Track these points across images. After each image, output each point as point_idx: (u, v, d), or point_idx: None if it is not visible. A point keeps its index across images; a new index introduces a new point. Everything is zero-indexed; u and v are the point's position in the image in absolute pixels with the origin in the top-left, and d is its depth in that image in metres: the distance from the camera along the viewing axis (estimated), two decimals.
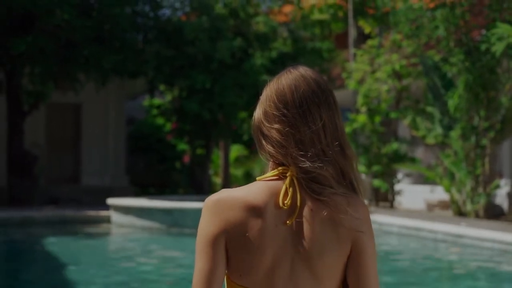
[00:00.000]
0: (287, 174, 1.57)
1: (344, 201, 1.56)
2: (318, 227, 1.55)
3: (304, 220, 1.55)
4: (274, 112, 1.60)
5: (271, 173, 1.61)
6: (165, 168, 22.39)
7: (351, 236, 1.57)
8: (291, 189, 1.55)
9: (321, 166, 1.55)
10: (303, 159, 1.56)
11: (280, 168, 1.59)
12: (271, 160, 1.62)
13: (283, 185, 1.56)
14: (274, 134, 1.59)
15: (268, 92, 1.64)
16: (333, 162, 1.58)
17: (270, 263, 1.55)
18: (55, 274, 8.29)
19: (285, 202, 1.54)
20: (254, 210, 1.55)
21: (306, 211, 1.56)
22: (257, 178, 1.63)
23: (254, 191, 1.57)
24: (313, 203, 1.56)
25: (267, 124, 1.61)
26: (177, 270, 8.67)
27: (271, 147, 1.60)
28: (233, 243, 1.55)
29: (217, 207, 1.56)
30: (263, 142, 1.62)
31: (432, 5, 12.50)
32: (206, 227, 1.57)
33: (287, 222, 1.55)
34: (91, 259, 9.60)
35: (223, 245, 1.56)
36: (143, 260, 9.53)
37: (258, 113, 1.65)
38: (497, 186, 14.04)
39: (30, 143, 17.09)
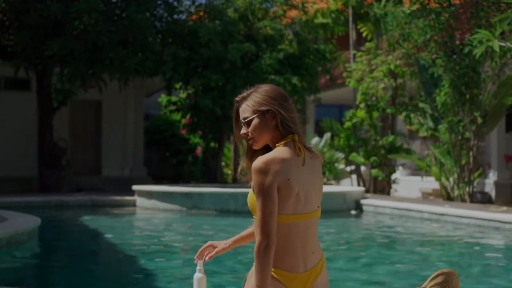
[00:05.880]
0: (294, 139, 2.58)
1: (317, 152, 2.73)
2: (316, 165, 2.63)
3: (308, 162, 2.60)
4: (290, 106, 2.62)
5: (284, 140, 2.57)
6: (179, 160, 23.63)
7: (321, 169, 2.74)
8: (300, 146, 2.59)
9: (304, 134, 2.70)
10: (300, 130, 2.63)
11: (288, 137, 2.58)
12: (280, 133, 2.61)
13: (294, 146, 2.55)
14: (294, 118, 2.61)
15: (273, 95, 2.61)
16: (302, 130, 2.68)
17: (296, 190, 2.51)
18: (96, 240, 9.76)
19: (300, 154, 2.58)
20: (287, 162, 2.51)
21: (308, 158, 2.61)
22: (276, 145, 2.58)
23: (283, 151, 2.53)
24: (309, 153, 2.63)
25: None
26: (195, 238, 10.02)
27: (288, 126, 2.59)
28: (280, 184, 2.48)
29: (267, 165, 2.47)
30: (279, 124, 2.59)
31: (416, 6, 13.51)
32: (266, 176, 2.46)
33: (303, 165, 2.56)
34: (124, 230, 10.96)
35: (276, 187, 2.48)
36: (168, 231, 11.00)
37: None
38: (481, 175, 15.39)
39: (56, 137, 17.98)
